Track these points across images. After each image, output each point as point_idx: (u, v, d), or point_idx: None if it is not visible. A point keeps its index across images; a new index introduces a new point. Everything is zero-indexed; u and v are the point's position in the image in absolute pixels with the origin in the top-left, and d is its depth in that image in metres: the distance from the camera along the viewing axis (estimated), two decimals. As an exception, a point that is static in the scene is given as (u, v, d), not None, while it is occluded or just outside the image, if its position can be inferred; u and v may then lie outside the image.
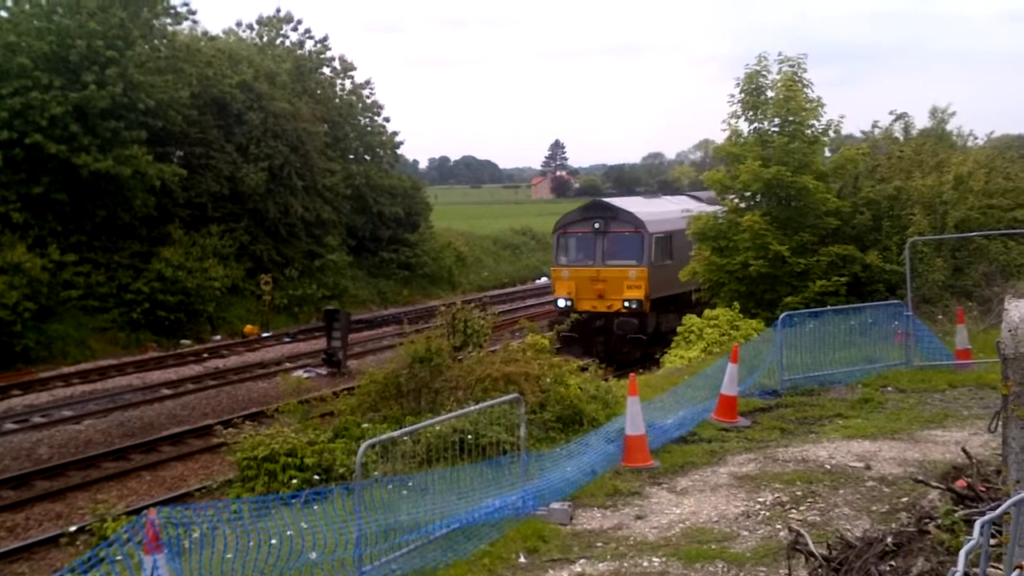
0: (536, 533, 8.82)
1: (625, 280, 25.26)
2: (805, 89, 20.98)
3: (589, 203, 28.46)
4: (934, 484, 8.67)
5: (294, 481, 10.47)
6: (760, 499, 9.69)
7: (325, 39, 45.86)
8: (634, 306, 24.91)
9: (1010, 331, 6.06)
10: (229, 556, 7.27)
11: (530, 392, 11.92)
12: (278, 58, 42.76)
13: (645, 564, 8.15)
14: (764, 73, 21.07)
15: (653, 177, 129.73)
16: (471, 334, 14.56)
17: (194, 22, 38.43)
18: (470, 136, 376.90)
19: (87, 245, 31.48)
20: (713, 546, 8.45)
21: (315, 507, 8.46)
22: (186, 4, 35.74)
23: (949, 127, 35.63)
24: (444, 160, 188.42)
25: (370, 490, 8.40)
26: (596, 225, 26.08)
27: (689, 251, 24.22)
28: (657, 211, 27.76)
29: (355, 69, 46.68)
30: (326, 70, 46.05)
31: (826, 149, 22.52)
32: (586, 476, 10.31)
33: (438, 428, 9.93)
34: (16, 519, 15.60)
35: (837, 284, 19.24)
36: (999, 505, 5.59)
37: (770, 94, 21.08)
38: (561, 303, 25.90)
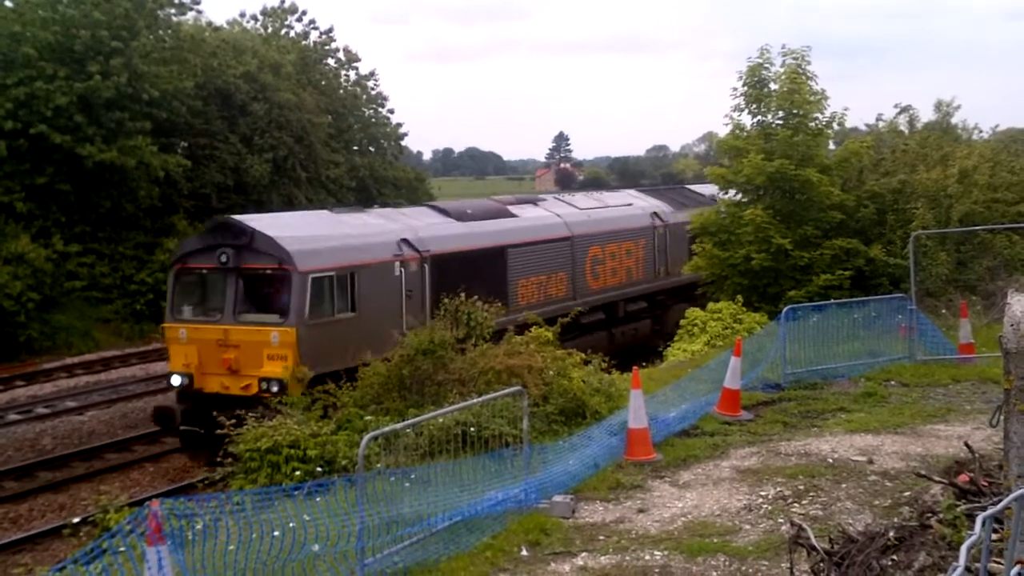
0: (538, 526, 8.84)
1: (265, 347, 15.85)
2: (809, 81, 20.88)
3: (214, 223, 17.62)
4: (936, 478, 8.69)
5: (297, 473, 10.51)
6: (762, 493, 9.70)
7: (330, 30, 45.94)
8: (275, 389, 15.30)
9: (1012, 326, 6.06)
10: (232, 548, 7.30)
11: (533, 385, 11.92)
12: (283, 49, 42.71)
13: (647, 557, 8.16)
14: (767, 66, 20.97)
15: (657, 169, 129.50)
16: (474, 326, 14.53)
17: (199, 12, 38.49)
18: (474, 128, 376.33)
19: (91, 235, 31.52)
20: (715, 540, 8.46)
21: (318, 499, 8.48)
22: (190, -6, 35.70)
23: (954, 120, 35.49)
24: (448, 152, 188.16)
25: (373, 482, 8.43)
26: (223, 258, 16.36)
27: (400, 296, 17.55)
28: (328, 234, 17.54)
29: (359, 60, 46.67)
30: (331, 61, 46.01)
31: (830, 142, 22.43)
32: (588, 469, 10.32)
33: (441, 420, 9.94)
34: (19, 510, 15.67)
35: (841, 278, 19.20)
36: (1001, 500, 5.59)
37: (774, 87, 20.97)
38: (176, 381, 16.53)
